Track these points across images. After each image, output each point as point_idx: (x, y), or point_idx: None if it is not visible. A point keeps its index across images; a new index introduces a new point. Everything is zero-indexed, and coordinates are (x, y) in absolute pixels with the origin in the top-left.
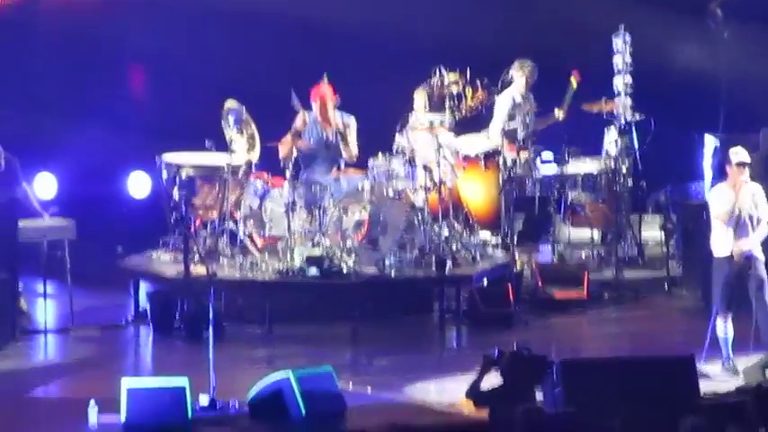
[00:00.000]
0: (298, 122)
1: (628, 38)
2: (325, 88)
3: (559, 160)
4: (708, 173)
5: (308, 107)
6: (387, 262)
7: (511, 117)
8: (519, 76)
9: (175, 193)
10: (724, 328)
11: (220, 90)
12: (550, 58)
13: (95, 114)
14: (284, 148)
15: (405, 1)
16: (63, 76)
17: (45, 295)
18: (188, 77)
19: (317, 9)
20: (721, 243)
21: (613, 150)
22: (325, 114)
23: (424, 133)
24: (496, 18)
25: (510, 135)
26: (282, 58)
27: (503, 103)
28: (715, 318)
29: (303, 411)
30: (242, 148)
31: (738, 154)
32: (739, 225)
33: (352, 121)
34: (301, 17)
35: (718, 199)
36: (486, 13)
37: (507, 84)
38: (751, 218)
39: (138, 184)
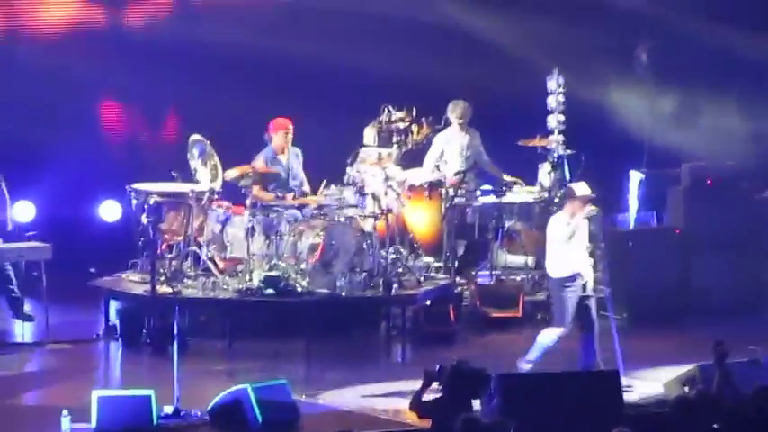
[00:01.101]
0: (258, 163)
1: (561, 80)
2: (285, 121)
3: (497, 191)
4: (633, 204)
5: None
6: (338, 283)
7: (446, 153)
8: (453, 115)
9: (144, 219)
10: (554, 338)
11: (186, 125)
12: (491, 97)
13: (69, 146)
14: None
15: (357, 43)
16: (41, 109)
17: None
18: (154, 113)
19: (276, 49)
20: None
21: (547, 182)
22: (286, 145)
23: (373, 166)
24: (442, 59)
25: (449, 168)
26: (242, 95)
27: (436, 141)
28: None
29: (260, 419)
30: (205, 177)
31: (582, 188)
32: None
33: (300, 153)
34: (259, 57)
35: (558, 226)
36: (431, 55)
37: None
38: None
39: (110, 211)
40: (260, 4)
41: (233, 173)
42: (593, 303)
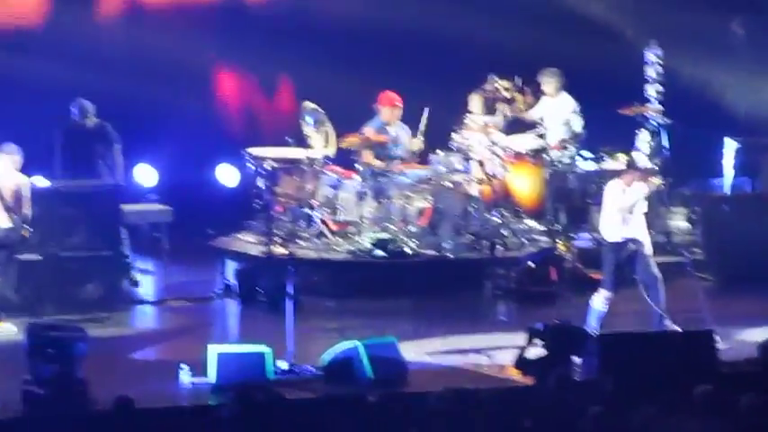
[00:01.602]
0: (368, 130)
1: (659, 51)
2: (394, 96)
3: (598, 158)
4: (728, 171)
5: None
6: (445, 245)
7: (545, 121)
8: (546, 85)
9: (259, 183)
10: (602, 300)
11: (300, 92)
12: (590, 67)
13: (189, 113)
14: (365, 155)
15: (463, 15)
16: (162, 77)
17: (145, 271)
18: (269, 81)
19: (385, 24)
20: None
21: (645, 149)
22: (393, 119)
23: (479, 133)
24: (542, 30)
25: (551, 135)
26: (352, 65)
27: (536, 109)
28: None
29: (370, 375)
30: (319, 143)
31: (644, 159)
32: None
33: (408, 129)
34: (369, 30)
35: (615, 193)
36: (533, 26)
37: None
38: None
39: (227, 175)
40: None
41: (351, 140)
42: (648, 262)
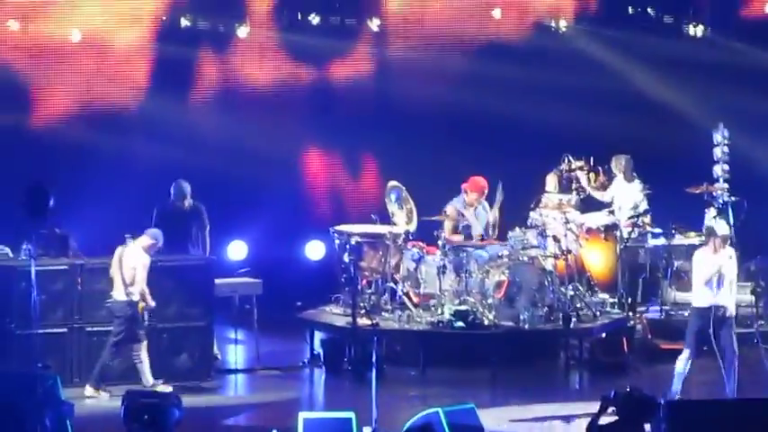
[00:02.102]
0: (450, 209)
1: (726, 133)
2: (484, 184)
3: (667, 234)
4: None
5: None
6: (521, 317)
7: (616, 200)
8: (616, 169)
9: (345, 258)
10: (683, 362)
11: (383, 172)
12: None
13: (279, 191)
14: (448, 232)
15: (540, 100)
16: (254, 156)
17: (236, 341)
18: (354, 160)
19: (466, 103)
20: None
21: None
22: (478, 203)
23: (554, 210)
24: (620, 116)
25: (622, 214)
26: (434, 145)
27: (609, 190)
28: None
29: None
30: (401, 220)
31: (722, 227)
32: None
33: (488, 207)
34: (452, 112)
35: (701, 262)
36: (609, 112)
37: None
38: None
39: (315, 250)
40: (449, 64)
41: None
42: (730, 333)
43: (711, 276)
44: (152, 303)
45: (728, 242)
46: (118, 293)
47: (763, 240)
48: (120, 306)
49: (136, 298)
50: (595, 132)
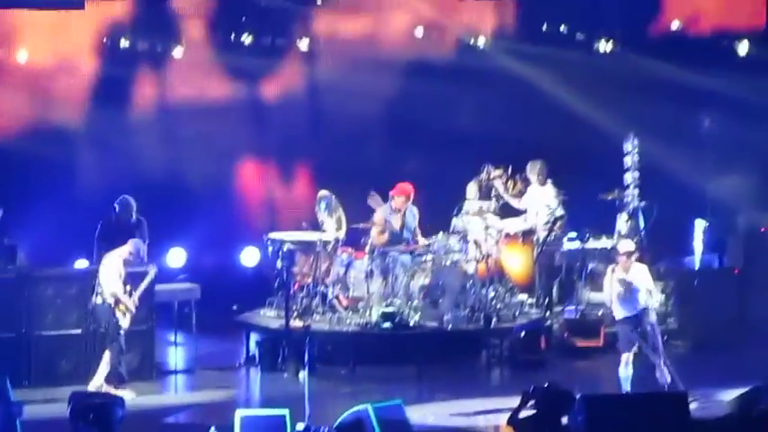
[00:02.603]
0: (377, 217)
1: (636, 141)
2: (410, 189)
3: (582, 238)
4: (698, 248)
5: (385, 200)
6: (445, 318)
7: (532, 206)
8: (531, 173)
9: (278, 264)
10: (623, 365)
11: (313, 181)
12: (572, 157)
13: (215, 201)
14: (375, 238)
15: (460, 112)
16: (191, 168)
17: (176, 343)
18: (287, 170)
19: (396, 124)
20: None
21: (624, 230)
22: (405, 207)
23: (475, 217)
24: (535, 126)
25: (538, 219)
26: (362, 156)
27: (525, 196)
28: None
29: None
30: (331, 227)
31: (625, 245)
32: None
33: (416, 212)
34: (379, 125)
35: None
36: (526, 122)
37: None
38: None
39: (249, 256)
40: (376, 80)
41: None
42: (654, 334)
43: (624, 292)
44: (131, 308)
45: (634, 255)
46: (97, 298)
47: (671, 242)
48: (100, 309)
49: (111, 302)
50: (514, 142)
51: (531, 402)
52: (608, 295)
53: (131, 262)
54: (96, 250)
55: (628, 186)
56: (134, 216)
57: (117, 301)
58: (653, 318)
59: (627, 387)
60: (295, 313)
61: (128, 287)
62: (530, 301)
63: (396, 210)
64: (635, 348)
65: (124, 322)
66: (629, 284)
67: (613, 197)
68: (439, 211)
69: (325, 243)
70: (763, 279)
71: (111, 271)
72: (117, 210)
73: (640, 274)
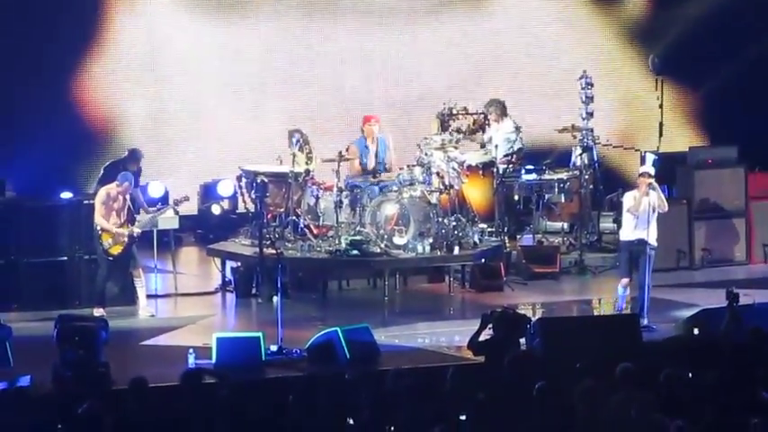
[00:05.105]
0: (351, 149)
1: (590, 78)
2: (372, 115)
3: (539, 170)
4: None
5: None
6: (410, 245)
7: (493, 140)
8: (491, 111)
9: (252, 194)
10: (620, 288)
11: (289, 119)
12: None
13: (195, 137)
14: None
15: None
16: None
17: (156, 270)
18: (261, 107)
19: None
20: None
21: (579, 162)
22: (373, 134)
23: (438, 150)
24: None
25: (498, 151)
26: (334, 94)
27: (488, 130)
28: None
29: (348, 356)
30: (302, 161)
31: (643, 167)
32: (640, 219)
33: (388, 140)
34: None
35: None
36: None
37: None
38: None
39: (225, 188)
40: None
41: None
42: (646, 260)
43: (634, 213)
44: (119, 238)
45: (652, 179)
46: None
47: (624, 174)
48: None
49: (98, 230)
50: (474, 81)
51: (490, 326)
52: (643, 211)
53: (119, 197)
54: (97, 185)
55: (583, 121)
56: (137, 167)
57: (103, 230)
58: (651, 247)
59: (621, 305)
60: (268, 242)
61: (122, 218)
62: (490, 229)
63: (368, 136)
64: (628, 271)
65: (114, 249)
66: (641, 208)
67: (569, 131)
68: (405, 145)
69: (297, 175)
70: (709, 209)
71: (97, 203)
72: (125, 156)
73: (654, 200)
